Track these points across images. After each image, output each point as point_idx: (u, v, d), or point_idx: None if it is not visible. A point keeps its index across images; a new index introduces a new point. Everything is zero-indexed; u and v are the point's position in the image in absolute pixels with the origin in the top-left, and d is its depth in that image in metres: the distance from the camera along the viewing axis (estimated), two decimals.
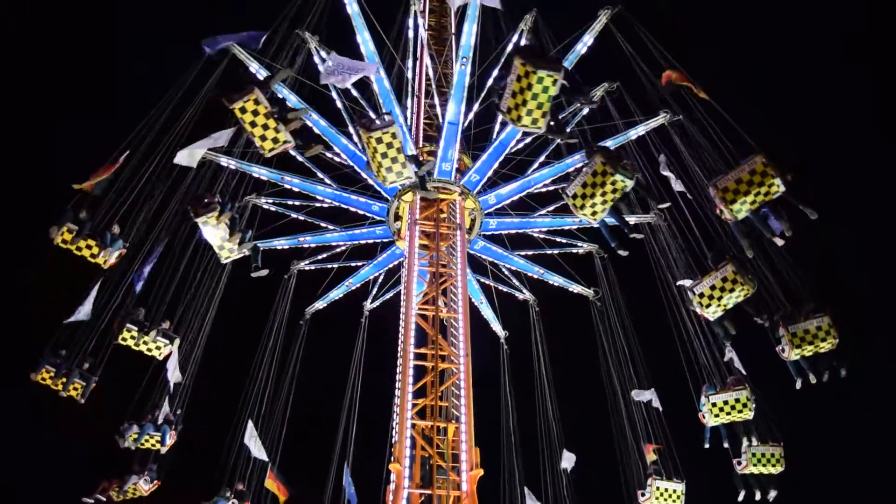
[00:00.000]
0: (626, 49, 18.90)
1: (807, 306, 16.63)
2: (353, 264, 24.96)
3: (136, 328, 18.55)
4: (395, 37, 23.73)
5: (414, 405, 18.85)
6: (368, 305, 26.29)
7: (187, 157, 17.06)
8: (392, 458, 18.19)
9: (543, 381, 23.88)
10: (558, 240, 24.49)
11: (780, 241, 15.40)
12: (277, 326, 23.19)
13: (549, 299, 25.94)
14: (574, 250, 24.64)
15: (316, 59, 21.60)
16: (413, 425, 18.52)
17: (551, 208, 23.35)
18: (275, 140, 15.25)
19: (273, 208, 22.90)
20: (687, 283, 17.44)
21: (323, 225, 23.51)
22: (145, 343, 18.75)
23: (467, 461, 18.00)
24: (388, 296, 26.18)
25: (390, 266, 24.89)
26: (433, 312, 20.52)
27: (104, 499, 19.12)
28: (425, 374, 19.51)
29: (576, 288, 25.15)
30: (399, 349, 20.24)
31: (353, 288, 25.68)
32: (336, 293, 25.60)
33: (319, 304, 25.76)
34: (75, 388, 18.70)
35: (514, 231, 23.86)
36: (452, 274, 21.31)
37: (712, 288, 16.39)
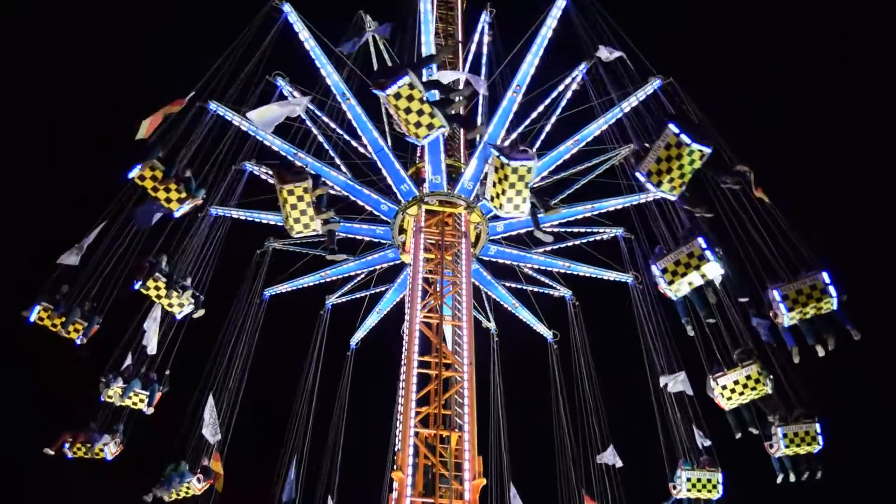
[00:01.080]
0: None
1: (798, 411, 17.27)
2: (380, 289, 25.57)
3: (163, 279, 17.74)
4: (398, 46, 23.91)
5: (417, 413, 18.73)
6: (332, 300, 26.26)
7: (259, 117, 16.78)
8: (394, 466, 18.08)
9: (584, 377, 23.55)
10: (540, 278, 25.10)
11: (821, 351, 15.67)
12: (317, 359, 24.06)
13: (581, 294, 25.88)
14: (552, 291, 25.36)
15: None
16: (416, 433, 18.42)
17: (548, 248, 23.98)
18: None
19: (268, 179, 22.70)
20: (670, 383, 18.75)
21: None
22: (169, 298, 17.96)
23: (470, 470, 17.83)
24: (355, 296, 26.35)
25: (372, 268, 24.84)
26: (437, 321, 20.47)
27: (68, 454, 18.43)
28: (429, 383, 19.43)
29: (610, 275, 24.65)
30: (403, 357, 20.17)
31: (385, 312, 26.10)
32: (307, 280, 25.23)
33: (283, 288, 25.36)
34: (76, 329, 17.89)
35: (524, 230, 23.55)
36: (457, 282, 21.32)
37: (735, 383, 17.03)
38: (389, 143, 22.30)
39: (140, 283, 17.51)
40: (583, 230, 24.14)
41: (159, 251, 18.19)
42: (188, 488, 19.81)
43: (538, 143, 22.70)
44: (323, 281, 25.18)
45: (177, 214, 17.08)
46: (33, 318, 17.58)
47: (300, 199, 15.65)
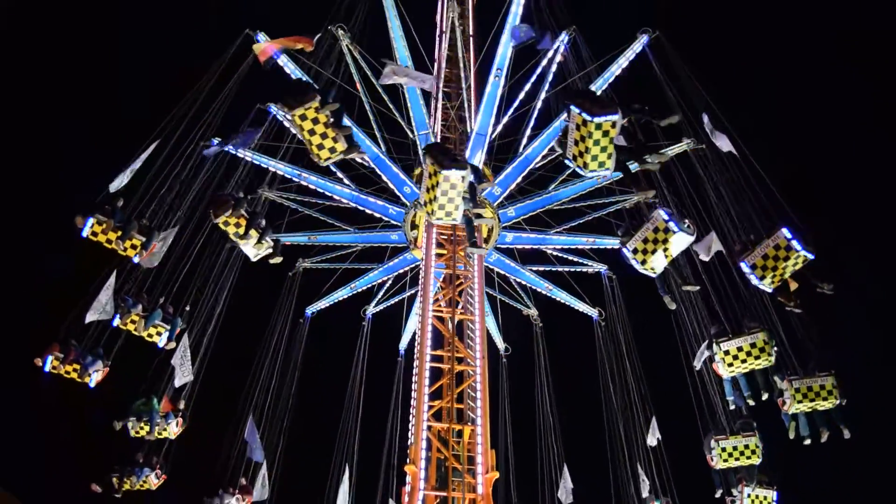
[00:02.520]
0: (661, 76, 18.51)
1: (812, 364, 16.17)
2: (360, 266, 24.97)
3: (245, 217, 17.03)
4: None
5: (430, 407, 18.78)
6: (371, 309, 26.22)
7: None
8: (407, 460, 18.20)
9: (544, 395, 23.45)
10: (569, 258, 24.34)
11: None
12: (282, 324, 23.18)
13: (553, 317, 25.92)
14: (585, 269, 24.56)
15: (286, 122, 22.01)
16: (429, 427, 18.45)
17: (567, 227, 23.24)
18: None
19: (286, 203, 23.15)
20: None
21: (334, 224, 23.56)
22: (247, 239, 17.23)
23: (483, 463, 17.69)
24: (391, 302, 26.19)
25: (399, 272, 24.88)
26: (449, 315, 20.42)
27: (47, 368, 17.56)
28: (441, 377, 19.41)
29: (581, 307, 24.91)
30: (416, 351, 20.26)
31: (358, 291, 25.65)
32: (340, 294, 25.42)
33: (322, 304, 25.48)
34: (133, 245, 17.04)
35: (527, 246, 23.64)
36: (469, 276, 21.19)
37: (739, 349, 16.14)
38: (384, 149, 22.55)
39: (222, 216, 16.67)
40: (602, 201, 23.12)
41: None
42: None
43: (531, 124, 22.14)
44: (354, 292, 25.64)
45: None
46: (87, 231, 16.65)
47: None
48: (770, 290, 14.82)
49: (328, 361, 26.87)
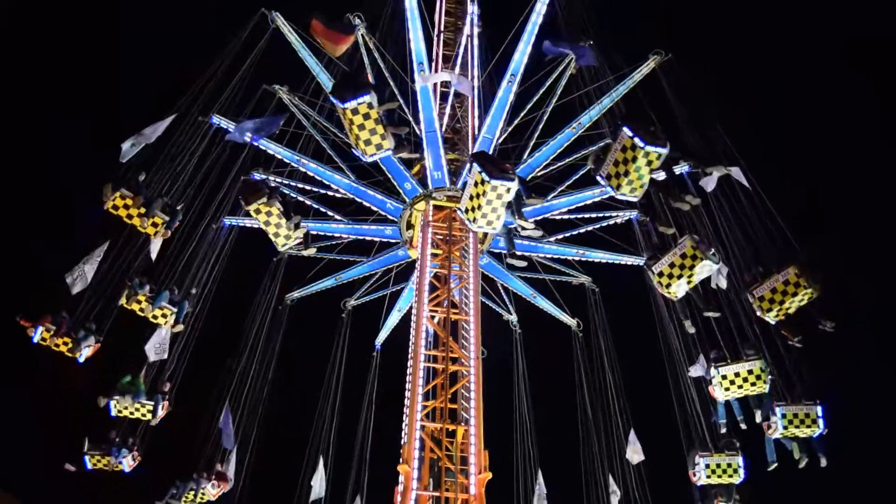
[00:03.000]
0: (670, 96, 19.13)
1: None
2: (346, 258, 24.81)
3: (279, 208, 17.18)
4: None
5: (424, 407, 18.79)
6: (352, 302, 26.10)
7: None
8: (401, 460, 18.20)
9: (522, 401, 23.84)
10: (555, 266, 24.58)
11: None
12: (263, 311, 23.03)
13: (533, 324, 26.28)
14: (569, 279, 24.97)
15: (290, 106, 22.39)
16: (422, 427, 18.48)
17: (561, 236, 23.60)
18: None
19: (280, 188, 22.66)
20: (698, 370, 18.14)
21: (327, 213, 23.34)
22: (279, 229, 17.40)
23: (476, 464, 17.79)
24: (373, 296, 26.15)
25: (385, 267, 24.83)
26: (444, 314, 20.49)
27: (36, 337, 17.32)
28: (435, 377, 19.46)
29: (562, 317, 25.33)
30: (409, 350, 20.26)
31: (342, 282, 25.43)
32: (324, 284, 25.21)
33: (304, 292, 25.29)
34: (154, 223, 16.97)
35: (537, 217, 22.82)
36: (464, 276, 21.29)
37: (736, 375, 16.84)
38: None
39: (254, 203, 16.69)
40: (595, 215, 23.61)
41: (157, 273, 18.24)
42: (203, 494, 20.06)
43: (538, 132, 22.37)
44: (338, 283, 25.38)
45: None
46: (108, 205, 16.44)
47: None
48: (773, 323, 15.51)
49: (307, 351, 26.59)
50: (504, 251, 17.06)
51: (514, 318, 26.52)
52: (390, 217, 22.97)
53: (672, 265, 15.10)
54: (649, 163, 13.56)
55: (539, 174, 22.65)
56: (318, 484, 23.06)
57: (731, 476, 18.10)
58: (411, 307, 25.74)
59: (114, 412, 18.55)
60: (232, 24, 20.60)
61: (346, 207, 23.60)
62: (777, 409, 16.60)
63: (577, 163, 22.26)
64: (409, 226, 22.73)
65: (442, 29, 23.86)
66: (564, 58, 21.28)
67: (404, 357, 26.08)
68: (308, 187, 23.03)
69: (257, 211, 16.82)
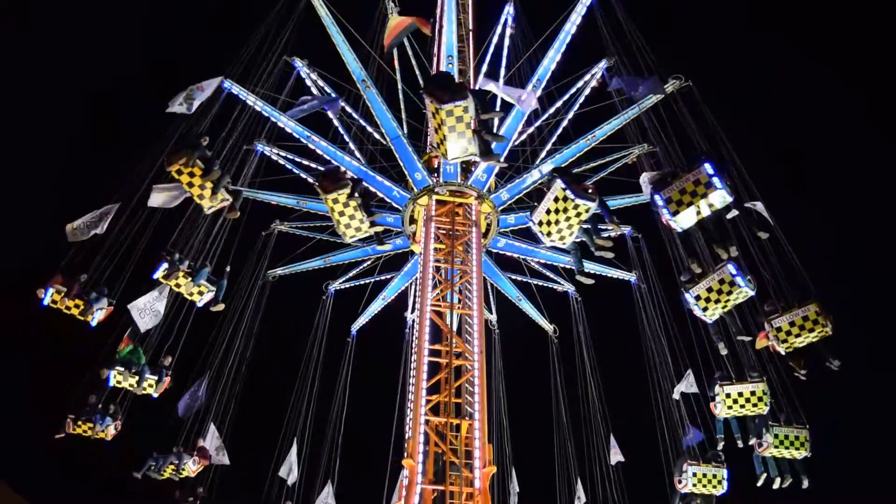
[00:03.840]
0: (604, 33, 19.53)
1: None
2: (385, 277, 25.33)
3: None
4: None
5: (428, 401, 18.77)
6: (410, 315, 26.10)
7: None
8: (405, 454, 18.10)
9: (587, 371, 23.73)
10: (543, 271, 25.03)
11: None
12: (320, 343, 23.81)
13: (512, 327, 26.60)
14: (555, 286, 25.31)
15: (308, 81, 22.27)
16: (427, 421, 18.46)
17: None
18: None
19: (281, 161, 22.90)
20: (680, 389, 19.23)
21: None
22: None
23: (480, 458, 17.93)
24: (358, 282, 26.16)
25: (378, 255, 24.78)
26: (447, 309, 20.52)
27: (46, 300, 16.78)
28: (439, 371, 19.47)
29: (614, 273, 24.55)
30: (414, 346, 20.19)
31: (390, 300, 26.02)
32: (375, 307, 25.88)
33: (363, 320, 26.16)
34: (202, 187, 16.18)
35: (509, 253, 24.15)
36: (468, 271, 21.36)
37: (739, 394, 17.63)
38: (406, 132, 22.22)
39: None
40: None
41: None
42: (183, 470, 19.43)
43: (554, 138, 22.70)
44: (326, 266, 25.02)
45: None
46: (174, 168, 15.81)
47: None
48: (783, 353, 16.37)
49: (285, 331, 25.97)
50: (573, 267, 17.18)
51: (493, 317, 26.82)
52: (395, 205, 22.78)
53: (710, 289, 15.67)
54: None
55: (515, 143, 22.79)
56: (291, 469, 22.61)
57: (714, 487, 18.97)
58: (397, 298, 25.95)
59: (112, 383, 17.72)
60: None
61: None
62: (771, 429, 17.62)
63: (586, 174, 22.73)
64: (412, 220, 22.60)
65: (471, 28, 23.76)
66: (591, 69, 21.70)
67: (382, 345, 26.23)
68: (314, 165, 22.55)
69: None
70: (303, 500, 22.71)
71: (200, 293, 17.69)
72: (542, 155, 22.69)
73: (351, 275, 25.68)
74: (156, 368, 18.21)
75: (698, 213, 14.42)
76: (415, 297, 26.02)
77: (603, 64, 21.90)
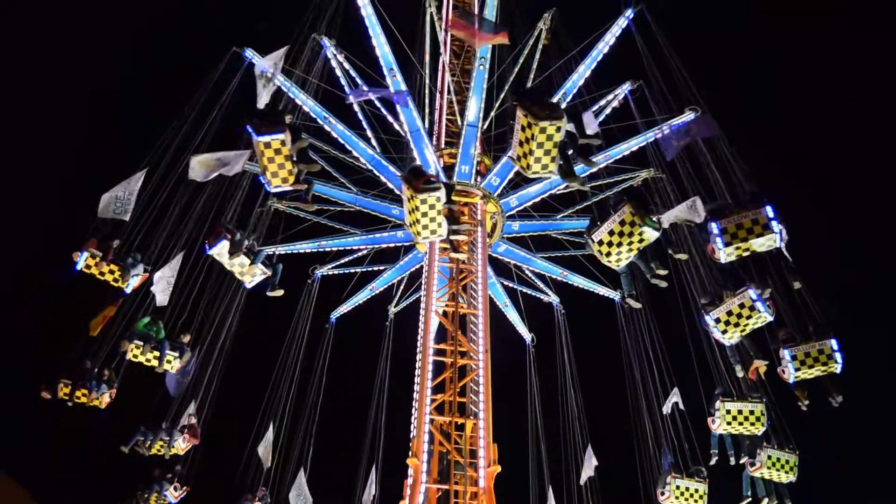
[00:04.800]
0: (644, 52, 19.56)
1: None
2: (375, 268, 24.96)
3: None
4: (413, 35, 23.57)
5: (433, 401, 18.82)
6: (393, 309, 26.05)
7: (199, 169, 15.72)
8: (410, 453, 18.10)
9: (568, 382, 24.04)
10: (530, 278, 25.42)
11: None
12: (301, 331, 23.11)
13: (572, 301, 26.20)
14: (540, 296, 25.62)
15: (333, 62, 21.76)
16: (431, 420, 18.49)
17: (573, 210, 23.80)
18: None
19: (295, 213, 22.36)
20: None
21: (344, 229, 23.36)
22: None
23: (485, 457, 18.11)
24: (411, 299, 25.91)
25: (413, 269, 24.69)
26: (453, 309, 20.59)
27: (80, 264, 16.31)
28: (444, 370, 19.50)
29: (601, 290, 25.06)
30: (419, 345, 20.14)
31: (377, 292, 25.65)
32: (360, 297, 25.50)
33: (344, 309, 25.75)
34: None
35: (536, 233, 24.07)
36: (473, 270, 21.49)
37: (739, 412, 18.04)
38: (379, 149, 22.28)
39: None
40: (610, 180, 23.38)
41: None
42: (173, 448, 18.81)
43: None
44: (318, 250, 24.46)
45: None
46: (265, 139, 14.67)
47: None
48: (791, 382, 16.87)
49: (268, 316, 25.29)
50: (623, 291, 16.89)
51: (554, 299, 26.29)
52: (400, 221, 22.58)
53: (730, 313, 15.99)
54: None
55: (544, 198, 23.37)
56: (264, 451, 21.97)
57: (696, 501, 19.64)
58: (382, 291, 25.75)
59: (129, 356, 16.92)
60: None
61: (367, 221, 23.61)
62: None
63: (592, 192, 23.15)
64: None
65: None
66: (615, 89, 22.22)
67: (363, 335, 25.94)
68: (324, 207, 22.42)
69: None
70: (276, 486, 22.17)
71: (253, 275, 17.01)
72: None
73: (342, 262, 25.23)
74: (175, 344, 17.46)
75: (746, 250, 14.93)
76: (401, 292, 26.20)
77: (627, 86, 22.22)
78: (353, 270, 25.57)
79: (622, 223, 14.57)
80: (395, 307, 26.36)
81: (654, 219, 14.72)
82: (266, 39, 18.54)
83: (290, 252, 24.12)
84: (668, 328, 22.14)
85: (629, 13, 20.76)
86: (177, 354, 17.35)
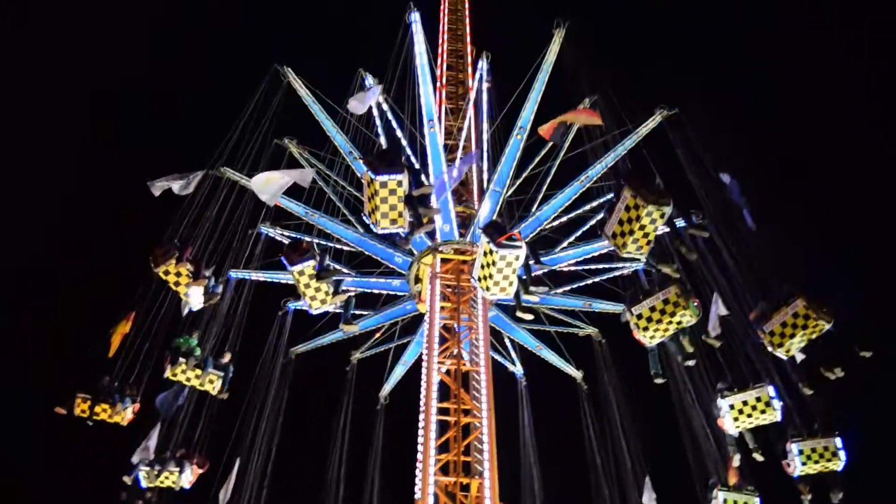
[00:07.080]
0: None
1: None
2: (404, 341, 25.48)
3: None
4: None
5: (437, 461, 18.66)
6: (357, 355, 26.37)
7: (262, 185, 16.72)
8: None
9: (529, 453, 23.85)
10: (563, 318, 24.92)
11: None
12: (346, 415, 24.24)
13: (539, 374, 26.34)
14: (576, 330, 25.09)
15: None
16: (436, 481, 18.29)
17: (567, 288, 23.71)
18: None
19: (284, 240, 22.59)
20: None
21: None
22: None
23: None
24: (379, 349, 26.30)
25: (392, 320, 24.89)
26: (455, 366, 20.48)
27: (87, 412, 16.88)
28: (448, 429, 19.33)
29: (568, 368, 25.43)
30: (421, 404, 20.15)
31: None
32: (330, 337, 25.33)
33: (388, 386, 26.44)
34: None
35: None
36: (474, 327, 21.36)
37: (744, 403, 17.03)
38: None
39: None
40: (602, 266, 23.77)
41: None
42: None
43: (546, 184, 22.68)
44: (345, 337, 25.29)
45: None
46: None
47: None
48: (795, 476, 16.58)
49: (313, 404, 26.47)
50: (651, 369, 17.11)
51: (519, 370, 26.49)
52: (398, 270, 23.15)
53: (745, 402, 16.31)
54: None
55: (547, 227, 22.94)
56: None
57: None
58: (418, 360, 25.96)
59: (169, 374, 17.50)
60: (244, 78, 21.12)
61: (353, 260, 23.86)
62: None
63: (585, 215, 22.59)
64: (417, 280, 22.81)
65: (444, 83, 24.39)
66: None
67: (409, 410, 26.08)
68: (316, 241, 23.16)
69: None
70: None
71: (323, 302, 16.97)
72: (537, 202, 22.69)
73: (371, 342, 25.94)
74: (218, 364, 17.95)
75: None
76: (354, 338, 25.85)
77: (585, 103, 21.67)
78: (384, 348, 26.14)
79: (666, 302, 14.94)
80: (359, 353, 26.41)
81: (696, 304, 14.99)
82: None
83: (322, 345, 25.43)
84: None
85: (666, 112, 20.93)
86: (220, 374, 17.82)
